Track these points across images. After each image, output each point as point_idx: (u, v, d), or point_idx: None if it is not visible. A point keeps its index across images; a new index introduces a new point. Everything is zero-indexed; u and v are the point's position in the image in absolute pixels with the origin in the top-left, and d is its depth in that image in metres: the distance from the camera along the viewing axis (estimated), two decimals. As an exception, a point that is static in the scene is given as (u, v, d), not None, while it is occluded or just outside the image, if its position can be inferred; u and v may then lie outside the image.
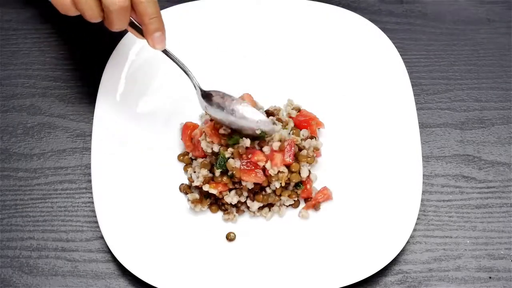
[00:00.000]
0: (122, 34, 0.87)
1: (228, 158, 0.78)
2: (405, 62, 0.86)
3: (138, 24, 0.74)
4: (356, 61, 0.87)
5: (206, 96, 0.78)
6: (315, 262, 0.77)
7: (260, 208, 0.81)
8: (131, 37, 0.86)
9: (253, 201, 0.80)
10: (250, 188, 0.79)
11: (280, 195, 0.80)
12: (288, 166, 0.79)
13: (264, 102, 0.85)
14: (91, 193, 0.80)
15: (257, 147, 0.78)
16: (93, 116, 0.83)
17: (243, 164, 0.77)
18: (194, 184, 0.80)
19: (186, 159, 0.83)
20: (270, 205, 0.81)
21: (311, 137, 0.82)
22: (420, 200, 0.78)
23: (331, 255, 0.77)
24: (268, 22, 0.89)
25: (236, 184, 0.79)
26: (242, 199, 0.80)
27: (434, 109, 0.89)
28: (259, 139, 0.78)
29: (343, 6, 0.89)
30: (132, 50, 0.86)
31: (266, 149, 0.77)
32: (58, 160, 0.85)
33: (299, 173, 0.80)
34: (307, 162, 0.80)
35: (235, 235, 0.79)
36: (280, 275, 0.76)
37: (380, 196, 0.80)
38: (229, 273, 0.77)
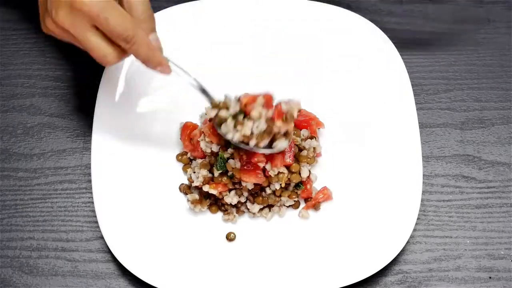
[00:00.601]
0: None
1: (228, 158, 0.78)
2: (405, 62, 0.86)
3: None
4: (356, 61, 0.87)
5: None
6: (315, 262, 0.77)
7: (261, 209, 0.81)
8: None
9: (253, 203, 0.80)
10: (250, 188, 0.79)
11: (280, 196, 0.80)
12: (288, 167, 0.79)
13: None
14: (91, 193, 0.80)
15: None
16: (93, 116, 0.83)
17: (243, 164, 0.77)
18: (194, 184, 0.80)
19: (184, 159, 0.83)
20: (270, 206, 0.81)
21: (311, 137, 0.82)
22: (420, 200, 0.78)
23: (331, 255, 0.77)
24: (268, 22, 0.89)
25: (236, 184, 0.79)
26: (242, 200, 0.80)
27: (434, 109, 0.89)
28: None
29: (343, 6, 0.89)
30: (132, 50, 0.86)
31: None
32: (58, 160, 0.85)
33: (299, 174, 0.80)
34: (307, 163, 0.80)
35: (235, 235, 0.79)
36: (280, 275, 0.76)
37: (380, 196, 0.80)
38: (229, 273, 0.77)
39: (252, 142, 0.74)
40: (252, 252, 0.78)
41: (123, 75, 0.85)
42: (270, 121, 0.75)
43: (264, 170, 0.78)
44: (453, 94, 0.90)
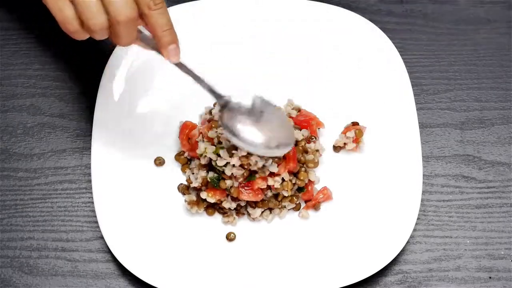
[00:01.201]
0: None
1: (220, 179, 0.77)
2: (405, 62, 0.86)
3: (147, 36, 0.70)
4: (356, 61, 0.87)
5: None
6: (315, 262, 0.77)
7: (261, 212, 0.80)
8: (131, 37, 0.86)
9: (254, 208, 0.80)
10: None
11: (282, 200, 0.80)
12: (295, 174, 0.79)
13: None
14: (91, 193, 0.80)
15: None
16: (93, 116, 0.83)
17: (241, 186, 0.77)
18: (193, 185, 0.79)
19: (182, 159, 0.83)
20: (271, 208, 0.81)
21: (311, 138, 0.82)
22: (420, 200, 0.78)
23: (331, 255, 0.77)
24: (268, 22, 0.89)
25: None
26: (242, 203, 0.79)
27: (434, 109, 0.89)
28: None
29: (343, 6, 0.89)
30: (132, 50, 0.86)
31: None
32: (58, 160, 0.85)
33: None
34: (312, 167, 0.80)
35: (235, 235, 0.79)
36: (280, 275, 0.76)
37: (380, 196, 0.80)
38: (229, 273, 0.77)
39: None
40: (252, 252, 0.78)
41: (123, 75, 0.85)
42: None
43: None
44: (453, 94, 0.90)
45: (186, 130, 0.83)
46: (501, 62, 0.92)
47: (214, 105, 0.83)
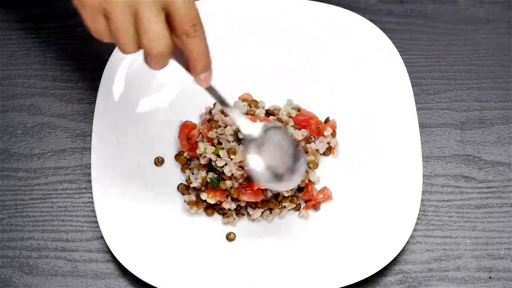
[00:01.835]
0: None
1: (219, 179, 0.77)
2: (405, 62, 0.86)
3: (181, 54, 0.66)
4: (356, 61, 0.87)
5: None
6: (315, 262, 0.77)
7: (261, 212, 0.80)
8: (131, 37, 0.86)
9: (254, 208, 0.80)
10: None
11: (282, 201, 0.80)
12: None
13: (264, 102, 0.85)
14: (91, 193, 0.80)
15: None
16: (93, 116, 0.83)
17: (242, 187, 0.77)
18: (192, 185, 0.79)
19: (182, 159, 0.83)
20: (271, 208, 0.81)
21: (310, 138, 0.82)
22: (420, 200, 0.78)
23: (331, 255, 0.77)
24: (268, 22, 0.89)
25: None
26: (242, 204, 0.79)
27: (434, 109, 0.89)
28: None
29: (343, 6, 0.89)
30: (132, 50, 0.86)
31: None
32: (58, 160, 0.85)
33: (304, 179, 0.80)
34: (313, 168, 0.80)
35: (235, 235, 0.79)
36: (280, 275, 0.76)
37: (380, 196, 0.80)
38: (229, 273, 0.77)
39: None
40: (252, 252, 0.78)
41: (123, 75, 0.85)
42: None
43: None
44: (453, 94, 0.90)
45: (186, 130, 0.83)
46: (501, 62, 0.92)
47: (214, 105, 0.83)
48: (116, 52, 0.86)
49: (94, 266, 0.79)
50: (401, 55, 0.86)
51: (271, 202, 0.79)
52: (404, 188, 0.79)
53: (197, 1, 0.89)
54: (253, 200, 0.78)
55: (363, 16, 0.89)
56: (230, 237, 0.79)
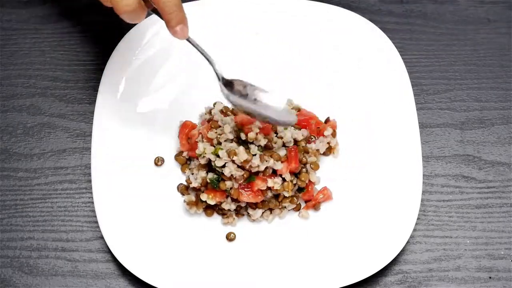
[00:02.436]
0: (122, 34, 0.87)
1: (219, 180, 0.78)
2: (405, 62, 0.86)
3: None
4: (356, 61, 0.87)
5: (228, 84, 0.77)
6: (315, 262, 0.77)
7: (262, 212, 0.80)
8: (131, 37, 0.86)
9: (254, 209, 0.80)
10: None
11: (282, 201, 0.80)
12: (296, 174, 0.79)
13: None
14: (91, 193, 0.80)
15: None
16: (93, 116, 0.83)
17: (241, 187, 0.77)
18: (192, 185, 0.79)
19: (181, 159, 0.83)
20: (271, 208, 0.81)
21: (310, 138, 0.82)
22: (420, 200, 0.78)
23: (331, 255, 0.77)
24: (268, 22, 0.89)
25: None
26: (242, 204, 0.79)
27: (434, 109, 0.89)
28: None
29: (343, 6, 0.89)
30: (132, 50, 0.86)
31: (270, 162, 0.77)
32: (58, 160, 0.85)
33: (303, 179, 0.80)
34: (313, 169, 0.80)
35: (235, 235, 0.79)
36: (280, 275, 0.76)
37: (380, 196, 0.80)
38: (229, 273, 0.77)
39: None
40: (252, 252, 0.78)
41: (123, 75, 0.85)
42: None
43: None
44: (453, 94, 0.90)
45: (185, 130, 0.83)
46: (501, 62, 0.92)
47: (214, 105, 0.83)
48: (117, 52, 0.86)
49: (94, 266, 0.79)
50: (401, 55, 0.86)
51: (271, 202, 0.79)
52: (404, 188, 0.79)
53: (197, 1, 0.90)
54: (253, 201, 0.78)
55: (363, 16, 0.89)
56: (230, 237, 0.79)
